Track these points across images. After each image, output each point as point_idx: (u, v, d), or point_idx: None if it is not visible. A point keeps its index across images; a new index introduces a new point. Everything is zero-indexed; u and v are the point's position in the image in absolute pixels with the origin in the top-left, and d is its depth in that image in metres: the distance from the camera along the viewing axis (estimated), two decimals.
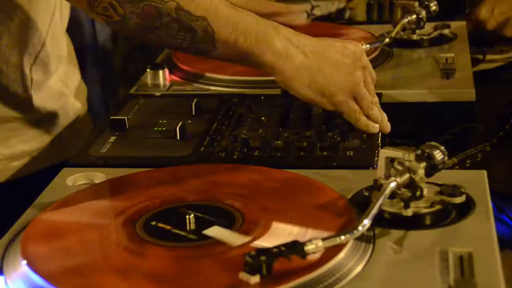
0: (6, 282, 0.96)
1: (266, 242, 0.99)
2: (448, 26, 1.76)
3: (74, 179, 1.23)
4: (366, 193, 1.10)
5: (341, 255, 0.95)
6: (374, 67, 1.57)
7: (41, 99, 1.49)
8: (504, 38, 1.98)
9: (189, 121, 1.39)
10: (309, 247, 0.92)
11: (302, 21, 1.87)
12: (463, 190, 1.06)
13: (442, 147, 1.06)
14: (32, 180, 1.44)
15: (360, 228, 0.97)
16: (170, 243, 1.00)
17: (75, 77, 1.65)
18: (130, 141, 1.33)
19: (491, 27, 1.96)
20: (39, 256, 0.99)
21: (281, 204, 1.09)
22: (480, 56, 1.90)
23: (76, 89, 1.62)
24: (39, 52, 1.44)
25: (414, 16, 1.70)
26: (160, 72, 1.59)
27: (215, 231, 1.02)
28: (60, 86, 1.54)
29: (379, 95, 1.46)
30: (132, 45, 3.87)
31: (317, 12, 2.02)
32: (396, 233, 1.02)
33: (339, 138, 1.28)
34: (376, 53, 1.63)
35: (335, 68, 1.26)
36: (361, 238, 0.99)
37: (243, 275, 0.89)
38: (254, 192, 1.13)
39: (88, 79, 1.92)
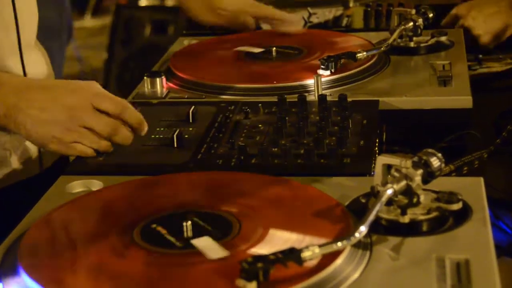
0: None
1: (263, 249, 0.99)
2: (445, 34, 1.76)
3: (72, 186, 1.23)
4: (363, 200, 1.10)
5: (338, 261, 0.95)
6: (371, 75, 1.59)
7: None
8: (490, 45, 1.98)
9: (187, 129, 1.39)
10: (306, 254, 0.92)
11: (299, 29, 1.87)
12: (460, 197, 1.06)
13: (439, 154, 1.06)
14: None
15: (357, 234, 0.97)
16: (167, 250, 1.00)
17: None
18: (128, 148, 1.33)
19: (466, 25, 1.94)
20: (37, 263, 0.99)
21: (278, 211, 1.09)
22: (476, 64, 1.90)
23: None
24: None
25: (411, 24, 1.70)
26: (157, 79, 1.59)
27: (201, 242, 1.01)
28: None
29: (376, 102, 1.47)
30: (128, 54, 3.88)
31: (315, 19, 2.02)
32: (393, 240, 1.02)
33: (336, 145, 1.28)
34: (373, 60, 1.63)
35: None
36: (358, 245, 0.99)
37: (240, 282, 0.90)
38: (252, 199, 1.13)
39: None
